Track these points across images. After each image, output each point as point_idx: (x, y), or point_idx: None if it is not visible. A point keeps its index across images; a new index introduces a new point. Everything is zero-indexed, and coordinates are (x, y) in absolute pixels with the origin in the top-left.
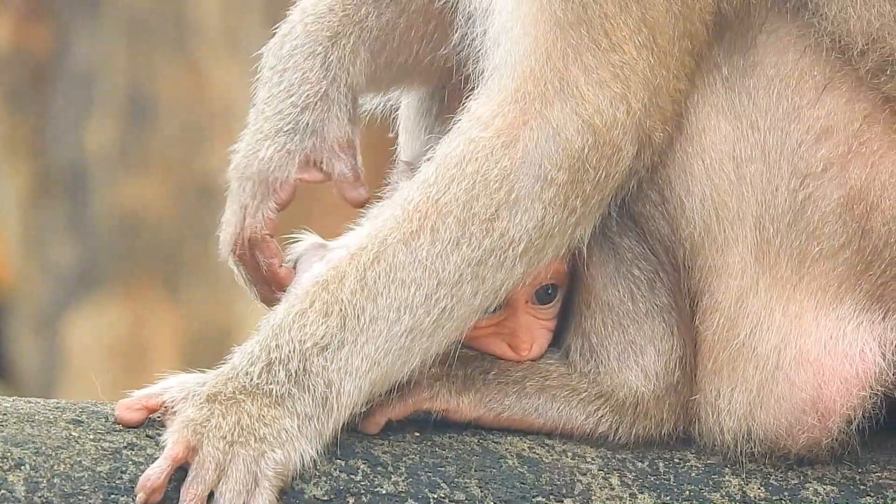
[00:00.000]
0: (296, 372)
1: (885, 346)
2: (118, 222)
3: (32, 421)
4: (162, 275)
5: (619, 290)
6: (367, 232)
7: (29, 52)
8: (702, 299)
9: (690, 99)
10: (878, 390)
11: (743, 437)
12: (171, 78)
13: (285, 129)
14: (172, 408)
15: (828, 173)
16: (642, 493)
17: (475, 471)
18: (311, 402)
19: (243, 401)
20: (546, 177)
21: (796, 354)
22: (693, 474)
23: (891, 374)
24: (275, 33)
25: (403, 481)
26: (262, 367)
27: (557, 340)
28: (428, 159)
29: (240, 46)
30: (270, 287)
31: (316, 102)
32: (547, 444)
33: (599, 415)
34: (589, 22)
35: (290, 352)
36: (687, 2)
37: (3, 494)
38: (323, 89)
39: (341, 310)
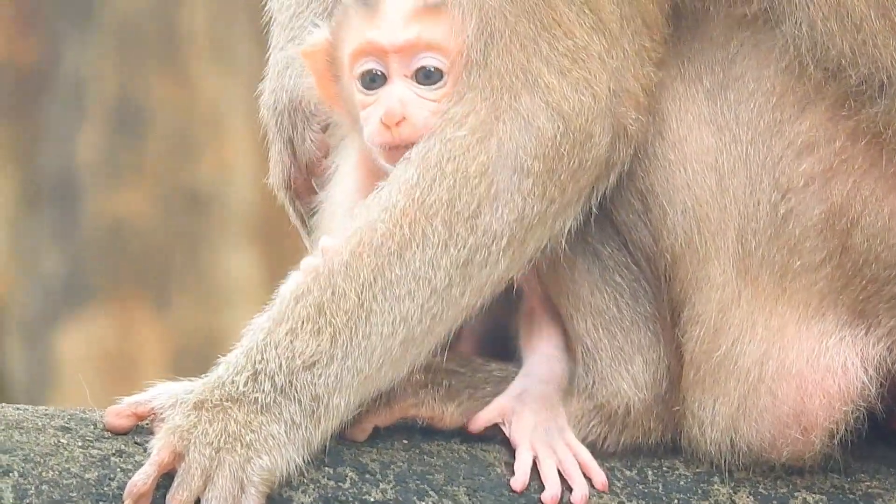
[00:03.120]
0: (282, 386)
1: (867, 360)
2: (107, 232)
3: (21, 428)
4: (151, 285)
5: (605, 297)
6: (357, 241)
7: (19, 62)
8: (683, 310)
9: (672, 107)
10: (860, 405)
11: (726, 449)
12: (161, 89)
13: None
14: (161, 415)
15: (809, 188)
16: (631, 501)
17: (463, 479)
18: (298, 410)
19: (230, 408)
20: (523, 167)
21: (778, 368)
22: (682, 483)
23: (873, 389)
24: (263, 43)
25: (392, 489)
26: (248, 377)
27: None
28: (405, 160)
29: (229, 57)
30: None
31: (325, 21)
32: None
33: (590, 425)
34: (535, 12)
35: (276, 367)
36: None
37: None
38: (329, 6)
39: (333, 330)
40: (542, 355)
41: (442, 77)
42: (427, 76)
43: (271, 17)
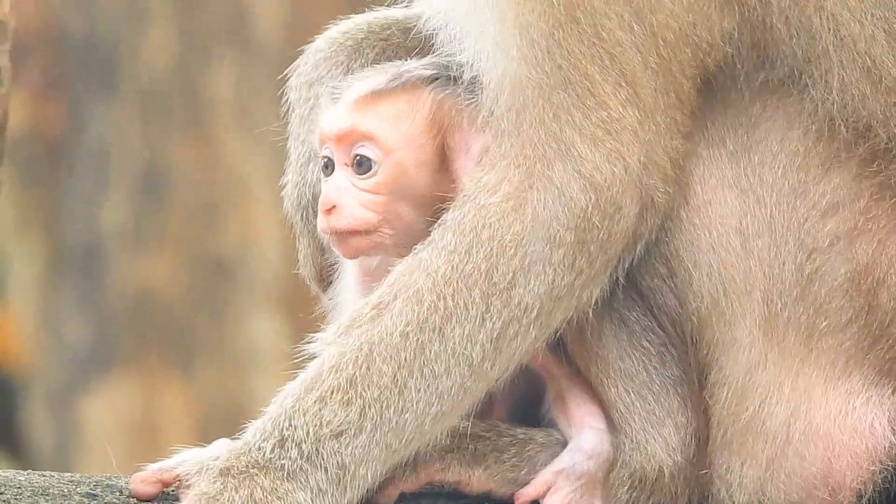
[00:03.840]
0: (308, 453)
1: (894, 420)
2: (132, 299)
3: (47, 494)
4: (176, 352)
5: (633, 361)
6: (400, 313)
7: (43, 129)
8: (710, 373)
9: (696, 171)
10: (888, 465)
11: None
12: (186, 155)
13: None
14: (186, 481)
15: (834, 248)
16: None
17: None
18: (324, 478)
19: (256, 475)
20: (555, 238)
21: (806, 429)
22: None
23: None
24: (286, 110)
25: None
26: (275, 444)
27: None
28: (440, 224)
29: (253, 124)
30: None
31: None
32: None
33: (620, 491)
34: (570, 83)
35: (304, 434)
36: (663, 55)
37: None
38: None
39: (363, 402)
40: (591, 430)
41: (372, 167)
42: (360, 164)
43: (290, 107)
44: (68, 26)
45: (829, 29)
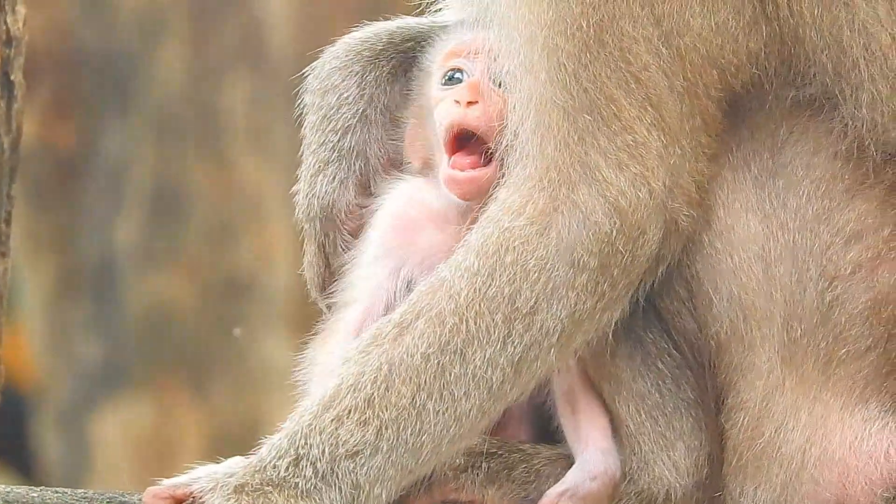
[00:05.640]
0: (323, 472)
1: None
2: (145, 318)
3: None
4: (188, 370)
5: (647, 382)
6: (421, 334)
7: (56, 147)
8: (727, 397)
9: (720, 194)
10: None
11: None
12: (199, 173)
13: (331, 159)
14: (200, 497)
15: (856, 276)
16: None
17: None
18: (338, 498)
19: (270, 492)
20: (579, 263)
21: (821, 454)
22: None
23: None
24: (300, 128)
25: None
26: (290, 462)
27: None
28: (463, 245)
29: (267, 142)
30: None
31: (355, 124)
32: None
33: None
34: (595, 106)
35: (319, 453)
36: (689, 78)
37: None
38: (360, 109)
39: (380, 423)
40: (595, 449)
41: (502, 86)
42: (495, 82)
43: (304, 112)
44: (82, 43)
45: (861, 42)
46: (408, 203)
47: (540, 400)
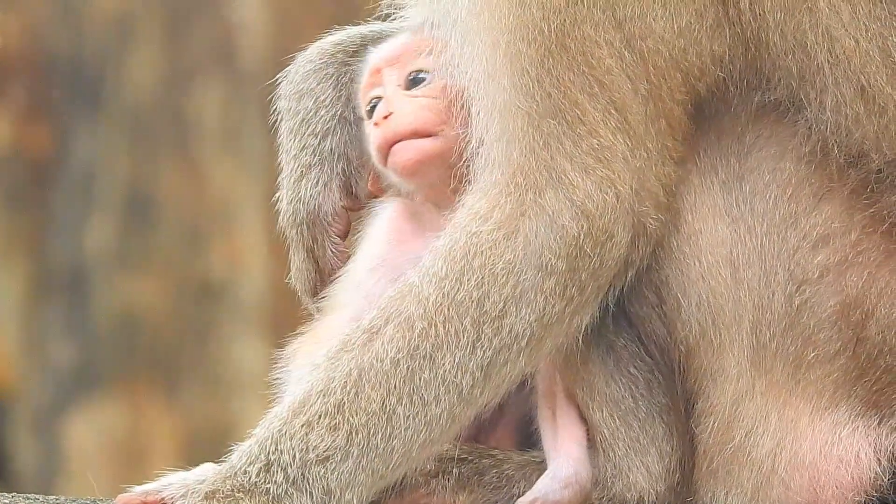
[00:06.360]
0: (294, 478)
1: (881, 451)
2: (117, 322)
3: None
4: (161, 374)
5: (620, 387)
6: (391, 339)
7: (28, 152)
8: (697, 402)
9: (688, 199)
10: (873, 495)
11: None
12: (171, 178)
13: (313, 163)
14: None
15: (824, 280)
16: None
17: None
18: (309, 502)
19: (241, 498)
20: (546, 266)
21: (792, 459)
22: None
23: (886, 479)
24: (274, 133)
25: None
26: (261, 467)
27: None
28: (432, 250)
29: (240, 146)
30: None
31: (334, 126)
32: None
33: None
34: (560, 111)
35: (290, 458)
36: (653, 82)
37: None
38: (338, 111)
39: (350, 428)
40: (567, 457)
41: (426, 78)
42: (414, 81)
43: (279, 118)
44: (54, 49)
45: (824, 45)
46: (400, 216)
47: (528, 409)
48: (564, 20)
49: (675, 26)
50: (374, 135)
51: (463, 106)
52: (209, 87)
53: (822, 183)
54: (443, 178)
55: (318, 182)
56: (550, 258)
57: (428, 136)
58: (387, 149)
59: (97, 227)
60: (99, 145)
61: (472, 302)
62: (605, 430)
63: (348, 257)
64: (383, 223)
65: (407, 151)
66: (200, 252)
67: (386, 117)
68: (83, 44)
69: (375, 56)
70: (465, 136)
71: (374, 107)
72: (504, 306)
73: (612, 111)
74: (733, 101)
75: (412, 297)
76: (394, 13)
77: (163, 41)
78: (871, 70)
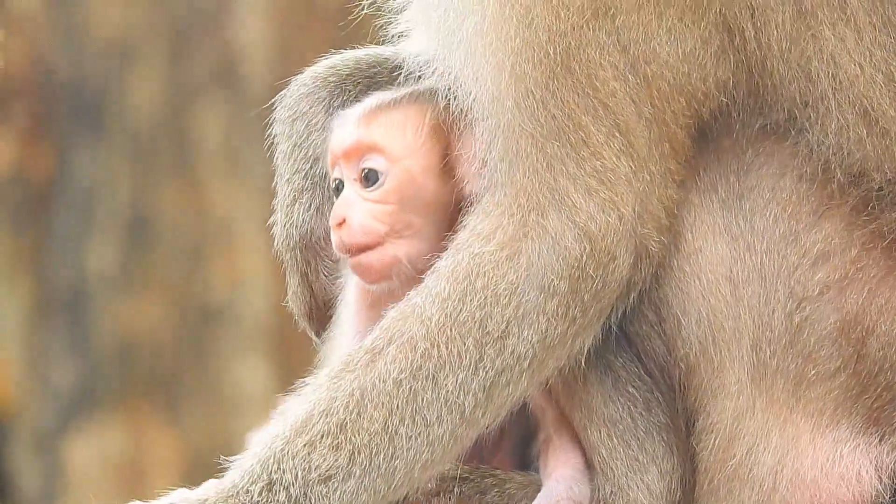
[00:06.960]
0: (296, 497)
1: (882, 469)
2: (119, 342)
3: None
4: (162, 395)
5: (618, 407)
6: (393, 360)
7: (30, 172)
8: (698, 419)
9: (687, 218)
10: None
11: None
12: (173, 199)
13: (305, 187)
14: None
15: (824, 297)
16: None
17: None
18: None
19: None
20: (549, 287)
21: (793, 476)
22: None
23: (887, 497)
24: (274, 155)
25: None
26: (263, 486)
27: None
28: (434, 271)
29: (241, 168)
30: None
31: (326, 150)
32: None
33: None
34: (564, 133)
35: (292, 478)
36: (657, 105)
37: None
38: (329, 135)
39: (353, 448)
40: (561, 478)
41: (379, 178)
42: (367, 178)
43: (274, 143)
44: (55, 69)
45: (829, 72)
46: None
47: (529, 431)
48: (570, 43)
49: (680, 51)
50: (332, 235)
51: (412, 204)
52: (211, 110)
53: (823, 200)
54: (406, 271)
55: (310, 206)
56: (553, 279)
57: (378, 245)
58: (345, 254)
59: (99, 248)
60: (100, 167)
61: (475, 322)
62: (603, 450)
63: (342, 281)
64: (357, 288)
65: (359, 268)
66: (202, 273)
67: (340, 224)
68: (85, 65)
69: (334, 142)
70: (420, 233)
71: (336, 189)
72: (506, 327)
73: (616, 134)
74: (735, 125)
75: (415, 318)
76: (394, 38)
77: (164, 63)
78: (874, 94)
